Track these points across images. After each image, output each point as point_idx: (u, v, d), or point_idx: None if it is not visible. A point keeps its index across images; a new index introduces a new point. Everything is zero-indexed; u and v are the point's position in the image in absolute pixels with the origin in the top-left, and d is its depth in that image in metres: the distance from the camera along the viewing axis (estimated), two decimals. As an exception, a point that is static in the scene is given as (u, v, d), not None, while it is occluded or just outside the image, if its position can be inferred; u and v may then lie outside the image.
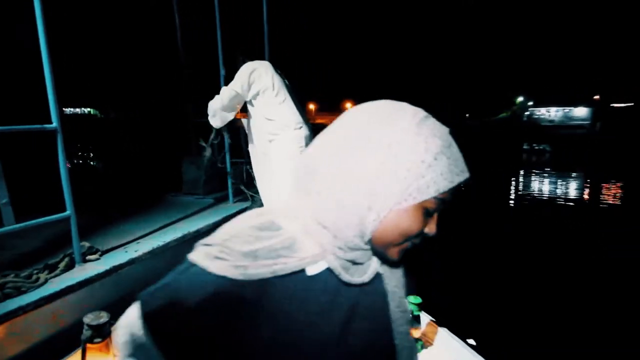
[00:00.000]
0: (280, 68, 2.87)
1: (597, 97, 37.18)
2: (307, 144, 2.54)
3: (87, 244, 2.43)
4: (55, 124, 2.12)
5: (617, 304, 3.89)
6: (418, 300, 1.66)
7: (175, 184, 4.34)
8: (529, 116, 40.48)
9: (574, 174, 14.49)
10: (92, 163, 9.67)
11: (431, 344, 1.73)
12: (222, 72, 3.81)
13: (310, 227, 0.57)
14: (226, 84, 4.06)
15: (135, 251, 2.55)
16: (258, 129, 2.77)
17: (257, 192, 3.93)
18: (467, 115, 40.43)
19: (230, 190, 3.93)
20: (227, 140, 3.86)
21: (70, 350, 1.58)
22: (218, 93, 3.77)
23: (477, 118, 39.29)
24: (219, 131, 3.43)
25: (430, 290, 1.96)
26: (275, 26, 4.63)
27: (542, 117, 40.03)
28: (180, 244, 2.84)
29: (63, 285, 2.06)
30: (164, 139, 5.23)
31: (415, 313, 1.67)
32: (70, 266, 2.27)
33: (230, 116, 2.91)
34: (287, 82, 2.77)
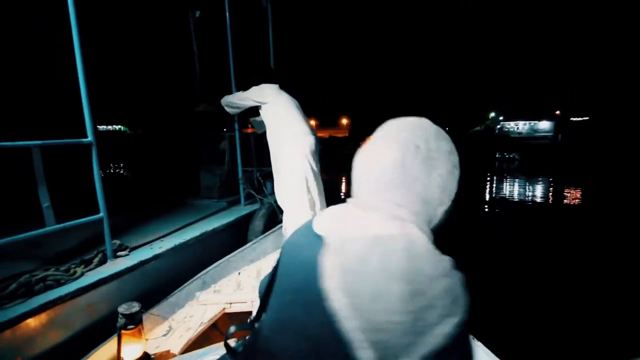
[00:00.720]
0: (286, 86, 2.88)
1: (558, 112, 37.25)
2: (314, 151, 2.53)
3: (117, 242, 2.43)
4: (90, 138, 2.14)
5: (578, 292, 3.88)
6: None
7: (194, 189, 4.33)
8: (500, 129, 40.53)
9: (539, 179, 14.50)
10: (122, 172, 9.64)
11: None
12: (234, 92, 3.83)
13: (399, 212, 0.62)
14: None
15: (160, 248, 2.54)
16: (270, 137, 2.75)
17: (265, 195, 3.94)
18: (447, 128, 40.48)
19: (242, 194, 3.92)
20: (238, 151, 3.87)
21: (105, 337, 1.59)
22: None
23: (455, 130, 39.37)
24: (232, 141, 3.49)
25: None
26: (280, 44, 4.64)
27: (512, 129, 40.10)
28: (198, 241, 2.84)
29: (97, 278, 2.05)
30: (183, 151, 5.20)
31: None
32: (103, 261, 2.27)
33: (235, 111, 2.94)
34: (296, 101, 2.77)
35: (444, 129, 0.72)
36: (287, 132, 2.58)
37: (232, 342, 0.80)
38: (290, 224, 2.58)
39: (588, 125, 34.44)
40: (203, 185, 4.23)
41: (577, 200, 9.98)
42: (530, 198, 10.29)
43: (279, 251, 2.89)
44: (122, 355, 1.43)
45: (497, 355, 1.32)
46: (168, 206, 3.77)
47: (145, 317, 1.64)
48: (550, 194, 11.15)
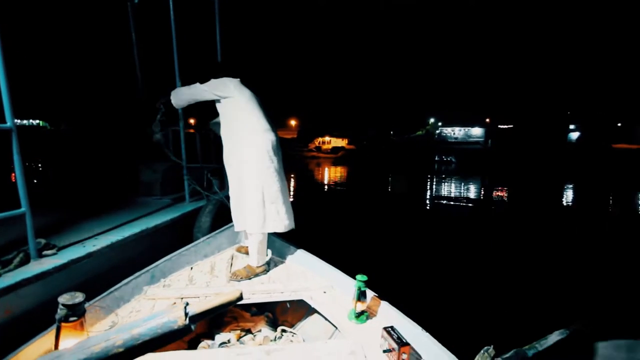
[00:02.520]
0: (248, 81, 2.80)
1: (488, 120, 41.29)
2: (275, 147, 2.45)
3: (43, 241, 2.21)
4: (9, 123, 1.93)
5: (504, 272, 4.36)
6: (364, 278, 1.75)
7: (134, 186, 4.07)
8: (439, 134, 43.77)
9: (472, 179, 15.95)
10: (41, 170, 8.66)
11: (375, 315, 1.83)
12: (179, 84, 3.69)
13: None
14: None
15: (94, 246, 2.36)
16: (228, 132, 2.57)
17: (213, 192, 3.84)
18: (391, 132, 42.65)
19: (186, 191, 3.78)
20: (183, 147, 3.73)
21: (41, 329, 1.45)
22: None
23: (399, 135, 41.62)
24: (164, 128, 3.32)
25: (375, 271, 2.08)
26: (229, 36, 4.56)
27: (449, 135, 43.54)
28: (139, 239, 2.69)
29: (18, 279, 1.86)
30: (120, 147, 4.83)
31: (363, 289, 1.76)
32: (25, 261, 2.05)
33: (182, 104, 2.71)
34: (258, 97, 2.61)
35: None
36: (247, 127, 2.45)
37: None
38: (234, 218, 2.52)
39: (512, 132, 38.68)
40: (143, 182, 3.99)
41: (503, 197, 11.19)
42: (464, 196, 11.31)
43: (234, 247, 2.83)
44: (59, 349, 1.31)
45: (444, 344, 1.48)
46: (104, 204, 3.49)
47: (88, 308, 1.54)
48: (482, 192, 12.34)
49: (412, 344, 1.47)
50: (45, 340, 1.41)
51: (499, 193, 12.17)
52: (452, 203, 10.00)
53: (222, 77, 2.49)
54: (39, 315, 1.41)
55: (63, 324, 1.31)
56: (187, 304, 0.86)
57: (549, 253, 5.30)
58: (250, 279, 2.22)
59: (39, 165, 8.92)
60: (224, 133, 2.51)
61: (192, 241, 3.53)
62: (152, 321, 0.83)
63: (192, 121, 8.48)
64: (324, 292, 2.06)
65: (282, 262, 2.48)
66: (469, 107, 42.58)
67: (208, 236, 2.57)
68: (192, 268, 2.36)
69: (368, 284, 1.78)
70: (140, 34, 4.67)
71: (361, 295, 1.76)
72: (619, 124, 34.84)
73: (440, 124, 44.43)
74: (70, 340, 1.31)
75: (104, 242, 2.44)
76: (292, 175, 12.89)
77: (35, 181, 5.61)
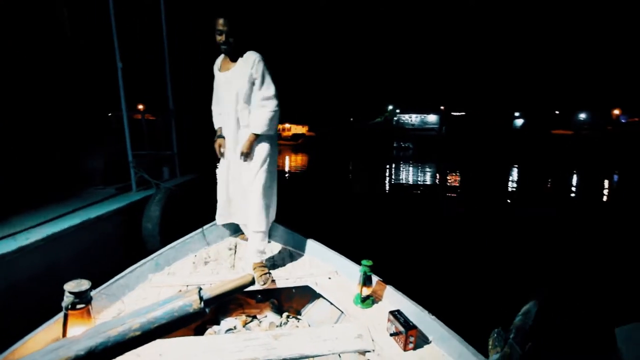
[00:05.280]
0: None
1: (442, 107, 43.25)
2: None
3: (-37, 235, 2.01)
4: None
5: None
6: (370, 263, 1.78)
7: (74, 176, 3.78)
8: (397, 121, 45.14)
9: (428, 165, 16.75)
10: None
11: (380, 299, 1.86)
12: (119, 65, 3.45)
13: None
14: (124, 77, 3.66)
15: (27, 239, 2.19)
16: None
17: (164, 180, 3.68)
18: (351, 119, 43.24)
19: (133, 179, 3.59)
20: (127, 132, 3.52)
21: (47, 317, 1.42)
22: (116, 86, 3.39)
23: (359, 121, 42.32)
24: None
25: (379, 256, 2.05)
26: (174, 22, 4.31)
27: (406, 121, 45.06)
28: (79, 230, 2.53)
29: None
30: (54, 130, 4.39)
31: (368, 274, 1.78)
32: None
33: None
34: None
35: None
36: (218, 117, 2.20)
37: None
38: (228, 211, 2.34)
39: (464, 119, 40.90)
40: (84, 170, 3.73)
41: (455, 182, 11.91)
42: (421, 181, 11.88)
43: (237, 235, 2.74)
44: (67, 337, 1.24)
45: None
46: (39, 196, 3.21)
47: (94, 296, 1.51)
48: (437, 177, 13.03)
49: (419, 327, 1.50)
50: (52, 328, 1.40)
51: (453, 178, 12.91)
52: (411, 187, 10.45)
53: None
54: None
55: (70, 311, 1.31)
56: (201, 288, 0.88)
57: (508, 230, 5.77)
58: (270, 272, 2.11)
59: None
60: (243, 119, 2.08)
61: (140, 233, 3.40)
62: (168, 305, 0.84)
63: (140, 107, 7.98)
64: (329, 278, 2.09)
65: (286, 249, 2.48)
66: (424, 95, 44.21)
67: (210, 224, 2.48)
68: (195, 256, 2.33)
69: (373, 269, 1.79)
70: (73, 14, 4.26)
71: (367, 280, 1.77)
72: (557, 112, 38.20)
73: (398, 111, 45.77)
74: (77, 327, 1.31)
75: (38, 234, 2.27)
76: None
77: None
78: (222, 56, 2.10)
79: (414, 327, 1.47)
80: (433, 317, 1.56)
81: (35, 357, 0.74)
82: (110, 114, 4.58)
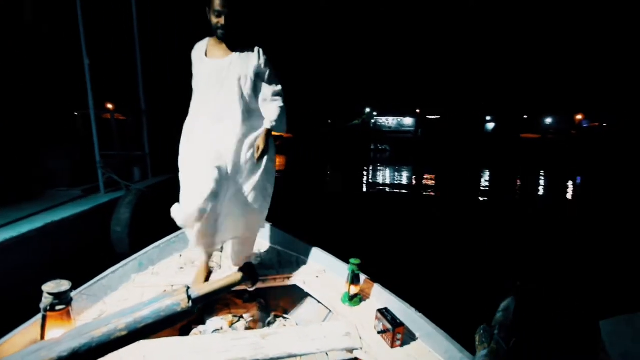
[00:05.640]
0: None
1: (418, 110, 44.24)
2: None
3: None
4: None
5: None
6: (357, 261, 1.77)
7: (36, 177, 3.56)
8: (375, 123, 45.75)
9: (405, 167, 17.06)
10: None
11: (368, 297, 1.86)
12: (87, 61, 3.28)
13: None
14: (91, 74, 3.47)
15: (-22, 244, 2.03)
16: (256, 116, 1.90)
17: (135, 182, 3.52)
18: (329, 121, 43.42)
19: (101, 181, 3.42)
20: (94, 130, 3.35)
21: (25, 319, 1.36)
22: (84, 80, 3.24)
23: (336, 123, 42.56)
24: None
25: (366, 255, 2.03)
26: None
27: (383, 124, 45.75)
28: (41, 235, 2.37)
29: None
30: (14, 132, 4.12)
31: (356, 272, 1.77)
32: None
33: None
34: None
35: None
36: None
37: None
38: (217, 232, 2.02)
39: (439, 122, 42.02)
40: (47, 171, 3.51)
41: (430, 183, 12.20)
42: (397, 182, 12.10)
43: None
44: (46, 340, 1.19)
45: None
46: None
47: (75, 297, 1.45)
48: (413, 179, 13.30)
49: (407, 324, 1.51)
50: (29, 330, 1.35)
51: (429, 179, 13.22)
52: (388, 188, 10.61)
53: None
54: None
55: (49, 312, 1.26)
56: (189, 287, 0.87)
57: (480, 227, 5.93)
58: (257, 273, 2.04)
59: None
60: (249, 112, 1.84)
61: (110, 236, 3.24)
62: (155, 304, 0.83)
63: (109, 106, 7.68)
64: (317, 277, 2.08)
65: (274, 249, 2.45)
66: (401, 98, 45.11)
67: None
68: (181, 255, 2.26)
69: (361, 268, 1.79)
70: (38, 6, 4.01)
71: (354, 279, 1.77)
72: (525, 116, 39.98)
73: (375, 113, 46.40)
74: (57, 329, 1.25)
75: (-7, 240, 2.10)
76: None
77: None
78: (206, 41, 1.82)
79: (402, 324, 1.48)
80: (420, 314, 1.58)
81: (15, 358, 0.71)
82: (76, 113, 4.34)
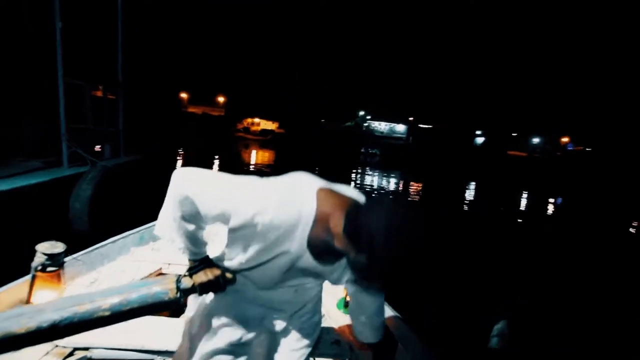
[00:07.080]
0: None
1: (411, 118, 44.56)
2: None
3: None
4: None
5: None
6: None
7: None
8: (367, 127, 45.84)
9: (394, 172, 17.06)
10: None
11: None
12: (59, 25, 3.05)
13: None
14: (62, 38, 3.22)
15: None
16: None
17: (103, 159, 3.30)
18: (322, 120, 43.31)
19: (64, 154, 3.19)
20: (61, 101, 3.12)
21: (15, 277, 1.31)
22: (53, 47, 3.03)
23: (330, 123, 42.49)
24: None
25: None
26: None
27: (376, 128, 45.89)
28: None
29: None
30: None
31: None
32: None
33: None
34: None
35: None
36: None
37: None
38: None
39: (431, 132, 42.40)
40: (3, 141, 3.25)
41: (417, 189, 12.20)
42: (386, 187, 12.05)
43: None
44: (32, 300, 1.22)
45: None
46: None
47: (68, 262, 1.41)
48: (401, 185, 13.28)
49: (399, 340, 1.41)
50: (18, 289, 1.30)
51: (416, 186, 13.22)
52: (376, 192, 10.52)
53: None
54: None
55: (39, 273, 1.23)
56: (180, 277, 0.86)
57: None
58: None
59: None
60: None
61: (67, 211, 3.02)
62: (143, 289, 0.83)
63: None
64: None
65: None
66: (395, 105, 45.41)
67: None
68: None
69: None
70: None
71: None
72: (514, 134, 40.69)
73: (369, 117, 46.51)
74: (45, 291, 1.22)
75: None
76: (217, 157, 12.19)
77: None
78: None
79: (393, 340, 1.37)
80: (411, 332, 1.53)
81: None
82: (48, 81, 4.09)
